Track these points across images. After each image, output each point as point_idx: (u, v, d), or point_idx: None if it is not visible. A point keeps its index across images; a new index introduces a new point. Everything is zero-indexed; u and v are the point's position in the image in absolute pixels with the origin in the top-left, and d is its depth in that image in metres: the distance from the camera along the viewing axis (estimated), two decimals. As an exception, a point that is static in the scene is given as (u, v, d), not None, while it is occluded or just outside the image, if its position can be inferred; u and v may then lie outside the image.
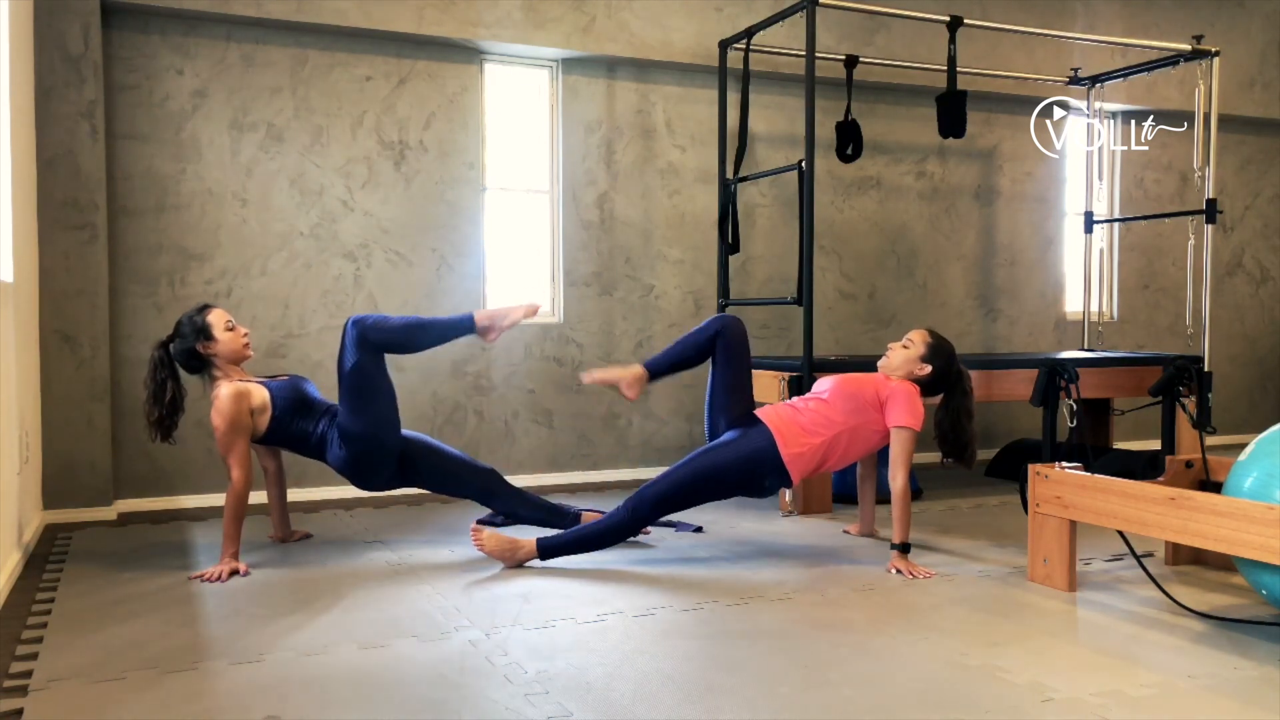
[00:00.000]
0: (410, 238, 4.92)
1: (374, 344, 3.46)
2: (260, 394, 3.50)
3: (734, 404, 3.58)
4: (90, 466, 4.28)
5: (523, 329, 5.14)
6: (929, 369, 3.58)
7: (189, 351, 3.50)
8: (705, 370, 5.35)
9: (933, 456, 5.91)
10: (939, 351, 3.60)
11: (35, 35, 4.17)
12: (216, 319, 3.53)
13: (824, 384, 3.62)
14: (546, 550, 3.39)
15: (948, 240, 6.08)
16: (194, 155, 4.57)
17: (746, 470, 3.42)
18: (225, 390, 3.43)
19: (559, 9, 5.01)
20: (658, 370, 3.63)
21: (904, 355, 3.60)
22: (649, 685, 2.34)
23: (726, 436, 3.50)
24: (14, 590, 3.17)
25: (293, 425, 3.53)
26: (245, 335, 3.59)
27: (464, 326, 3.55)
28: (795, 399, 3.64)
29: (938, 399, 3.65)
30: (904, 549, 3.39)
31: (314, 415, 3.56)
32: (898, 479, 3.41)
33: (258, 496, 3.98)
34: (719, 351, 3.61)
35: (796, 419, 3.48)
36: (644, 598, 3.05)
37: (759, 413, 3.55)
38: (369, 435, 3.49)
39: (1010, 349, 6.20)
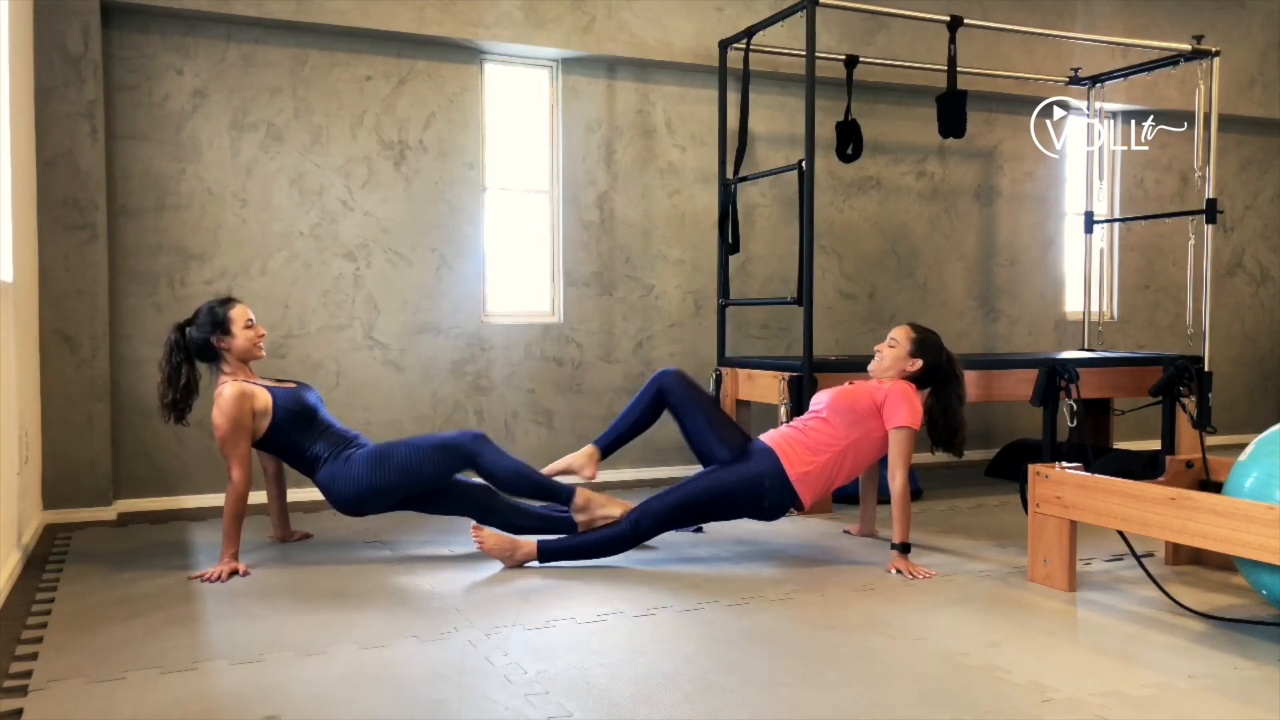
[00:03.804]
0: (410, 238, 4.92)
1: (479, 469, 3.47)
2: (264, 398, 3.49)
3: (724, 437, 3.56)
4: (90, 466, 4.28)
5: (523, 329, 5.14)
6: (919, 363, 3.57)
7: (204, 341, 3.50)
8: (705, 369, 5.36)
9: (934, 456, 5.92)
10: (925, 344, 3.59)
11: (35, 35, 4.17)
12: (238, 315, 3.53)
13: (820, 400, 3.61)
14: (546, 553, 3.39)
15: (948, 240, 6.08)
16: (194, 155, 4.57)
17: (752, 491, 3.41)
18: (229, 390, 3.42)
19: (559, 9, 5.01)
20: (609, 446, 3.65)
21: (892, 355, 3.59)
22: (649, 685, 2.34)
23: (732, 459, 3.50)
24: (14, 590, 3.17)
25: (289, 436, 3.50)
26: (261, 335, 3.59)
27: (563, 496, 3.53)
28: (795, 420, 3.63)
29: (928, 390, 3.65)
30: (904, 549, 3.39)
31: (313, 431, 3.53)
32: (897, 479, 3.40)
33: (257, 496, 3.98)
34: (672, 409, 3.63)
35: (800, 439, 3.48)
36: (644, 598, 3.05)
37: (763, 436, 3.55)
38: (383, 489, 3.48)
39: (1010, 349, 6.20)
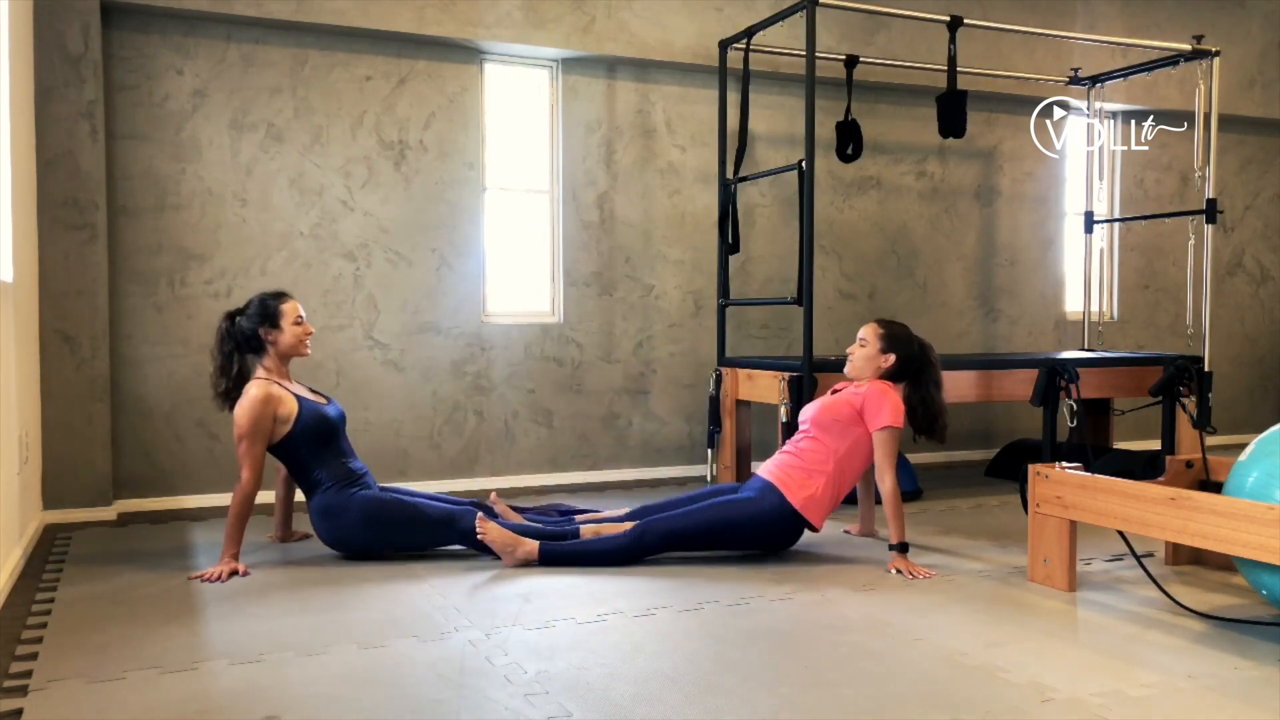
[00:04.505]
0: (410, 238, 4.92)
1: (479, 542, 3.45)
2: (290, 405, 3.45)
3: (717, 489, 3.67)
4: (90, 466, 4.28)
5: (523, 329, 5.14)
6: (893, 357, 3.57)
7: (251, 332, 3.49)
8: (705, 369, 5.36)
9: (934, 456, 5.94)
10: (895, 338, 3.60)
11: (35, 35, 4.17)
12: (289, 309, 3.52)
13: (805, 416, 3.63)
14: (547, 557, 3.39)
15: (948, 240, 6.08)
16: (194, 155, 4.57)
17: (760, 529, 3.44)
18: (256, 391, 3.40)
19: (559, 9, 5.01)
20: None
21: (864, 355, 3.60)
22: (649, 685, 2.34)
23: (740, 494, 3.53)
24: (14, 590, 3.17)
25: (301, 451, 3.47)
26: (309, 333, 3.57)
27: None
28: (787, 443, 3.64)
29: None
30: (902, 549, 3.39)
31: (326, 454, 3.49)
32: (886, 480, 3.42)
33: (264, 496, 3.96)
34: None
35: (796, 464, 3.50)
36: (644, 598, 3.05)
37: (761, 470, 3.57)
38: (370, 544, 3.49)
39: (1010, 349, 6.20)
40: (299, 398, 3.49)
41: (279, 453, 3.50)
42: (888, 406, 3.45)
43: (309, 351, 3.60)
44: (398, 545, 3.50)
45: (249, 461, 3.36)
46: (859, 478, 3.57)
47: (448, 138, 4.98)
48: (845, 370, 3.66)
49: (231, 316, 3.52)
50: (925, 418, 3.60)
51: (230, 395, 3.46)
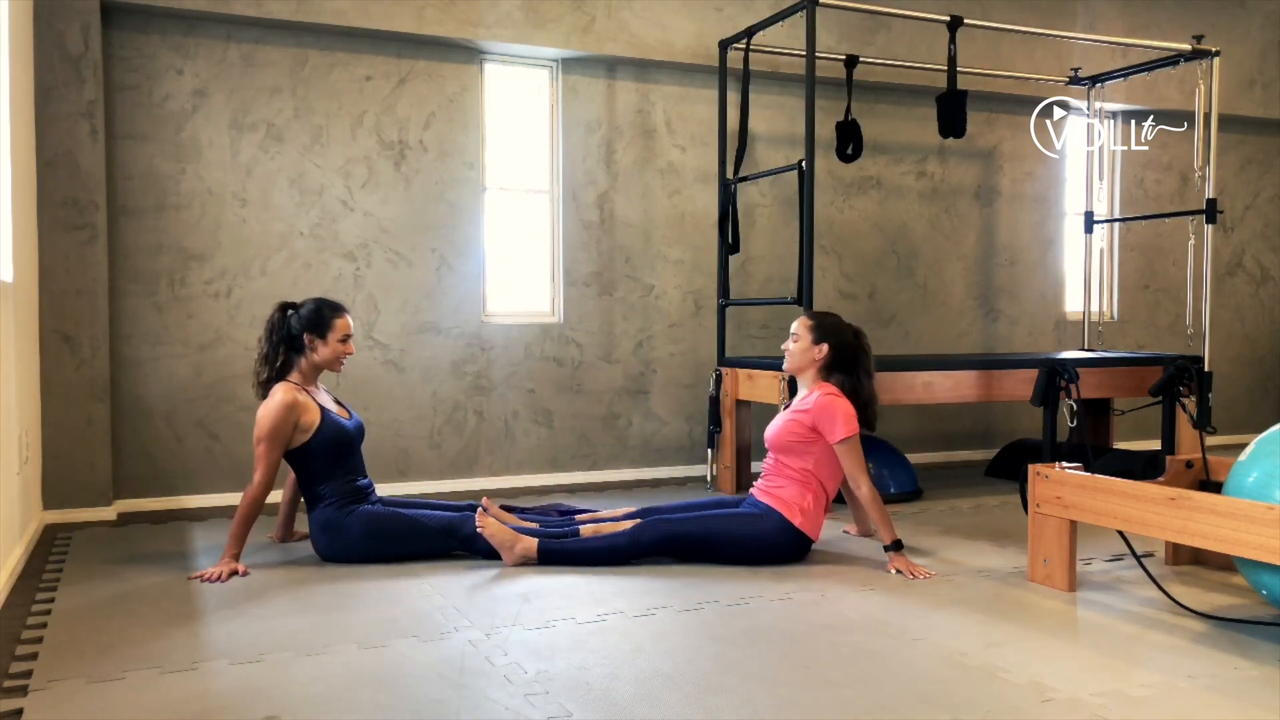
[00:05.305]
0: (410, 238, 4.92)
1: (479, 546, 3.44)
2: (313, 415, 3.44)
3: (718, 502, 3.68)
4: (90, 466, 4.28)
5: (523, 329, 5.14)
6: (826, 347, 3.57)
7: (298, 333, 3.49)
8: (705, 369, 5.36)
9: (934, 456, 5.94)
10: (825, 328, 3.59)
11: (35, 35, 4.17)
12: (341, 325, 3.52)
13: (768, 440, 3.62)
14: (546, 555, 3.39)
15: (948, 240, 6.08)
16: (194, 155, 4.57)
17: (765, 547, 3.43)
18: (281, 396, 3.39)
19: (559, 9, 5.01)
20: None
21: (798, 349, 3.60)
22: (649, 685, 2.34)
23: (743, 508, 3.53)
24: (14, 590, 3.17)
25: (312, 462, 3.46)
26: (349, 353, 3.57)
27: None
28: (765, 468, 3.63)
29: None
30: (897, 547, 3.39)
31: (336, 471, 3.48)
32: (861, 487, 3.43)
33: (270, 497, 3.95)
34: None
35: (784, 484, 3.50)
36: (644, 598, 3.05)
37: (755, 491, 3.57)
38: (369, 556, 3.46)
39: (1010, 349, 6.20)
40: (323, 409, 3.49)
41: (291, 459, 3.49)
42: (839, 417, 3.44)
43: (342, 369, 3.60)
44: (400, 558, 3.48)
45: (264, 465, 3.36)
46: (840, 483, 3.58)
47: (448, 138, 4.98)
48: (784, 367, 3.67)
49: (285, 309, 3.52)
50: (856, 406, 3.56)
51: (269, 386, 3.46)
